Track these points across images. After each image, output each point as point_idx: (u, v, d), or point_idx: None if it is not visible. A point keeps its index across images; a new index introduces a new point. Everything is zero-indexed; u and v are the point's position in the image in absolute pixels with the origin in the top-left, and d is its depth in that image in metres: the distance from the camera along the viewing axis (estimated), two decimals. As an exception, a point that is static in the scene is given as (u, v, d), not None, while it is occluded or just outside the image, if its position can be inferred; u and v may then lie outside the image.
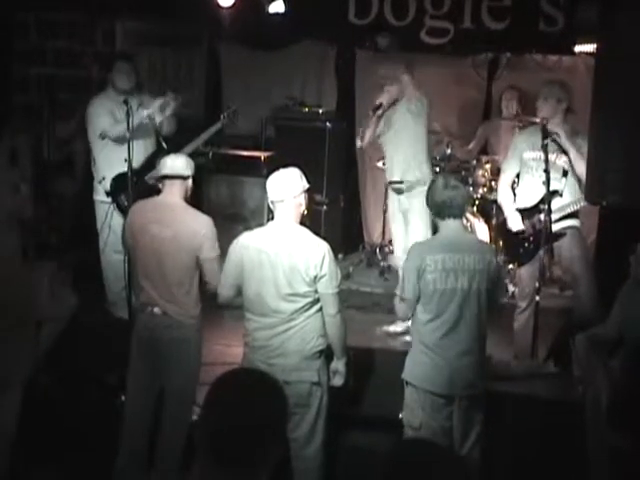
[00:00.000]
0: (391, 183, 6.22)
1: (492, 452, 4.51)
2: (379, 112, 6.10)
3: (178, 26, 7.66)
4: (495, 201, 6.40)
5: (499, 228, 6.28)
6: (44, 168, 6.88)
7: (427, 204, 4.47)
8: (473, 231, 6.76)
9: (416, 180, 6.04)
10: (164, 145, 6.14)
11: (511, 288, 6.70)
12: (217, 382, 2.30)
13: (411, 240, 5.66)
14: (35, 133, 6.95)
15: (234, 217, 7.06)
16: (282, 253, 4.25)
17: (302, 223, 4.40)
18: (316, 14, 7.02)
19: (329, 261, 4.27)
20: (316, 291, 4.27)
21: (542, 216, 5.43)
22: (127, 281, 5.20)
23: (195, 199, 5.97)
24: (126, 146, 5.50)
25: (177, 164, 4.59)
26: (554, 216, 5.40)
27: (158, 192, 4.68)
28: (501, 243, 6.07)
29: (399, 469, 2.10)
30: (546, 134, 5.40)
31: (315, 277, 4.23)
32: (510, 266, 6.56)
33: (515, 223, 5.65)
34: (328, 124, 7.56)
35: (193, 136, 6.38)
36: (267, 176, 4.44)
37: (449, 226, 4.37)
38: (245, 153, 7.68)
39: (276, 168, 4.46)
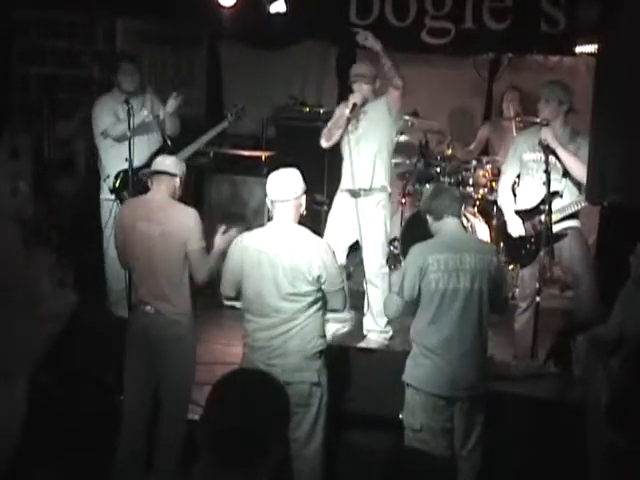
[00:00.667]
0: (350, 191, 5.93)
1: (492, 452, 4.51)
2: (349, 114, 5.81)
3: (179, 26, 7.67)
4: (496, 202, 6.40)
5: (500, 229, 6.27)
6: (44, 168, 6.87)
7: (422, 210, 4.49)
8: (474, 232, 6.75)
9: (379, 187, 5.90)
10: (169, 143, 6.21)
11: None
12: (219, 382, 2.29)
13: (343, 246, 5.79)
14: (35, 133, 6.94)
15: (235, 217, 7.05)
16: (282, 253, 4.25)
17: (301, 223, 4.41)
18: (317, 14, 7.01)
19: (331, 259, 4.29)
20: (317, 290, 4.28)
21: (543, 217, 5.43)
22: (127, 280, 5.22)
23: (196, 198, 5.99)
24: (131, 143, 5.61)
25: (166, 162, 4.68)
26: (555, 217, 5.40)
27: (147, 190, 4.74)
28: (502, 244, 6.06)
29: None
30: (541, 143, 5.42)
31: (319, 277, 4.23)
32: (510, 267, 6.56)
33: (515, 228, 5.64)
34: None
35: (195, 136, 6.41)
36: (268, 176, 4.45)
37: (448, 225, 4.37)
38: (246, 153, 7.68)
39: (277, 168, 4.46)
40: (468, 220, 6.75)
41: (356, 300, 6.28)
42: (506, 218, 5.74)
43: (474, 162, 7.35)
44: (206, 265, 4.55)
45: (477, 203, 7.28)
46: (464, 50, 7.25)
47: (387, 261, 6.16)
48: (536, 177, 5.53)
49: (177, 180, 4.62)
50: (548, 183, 5.35)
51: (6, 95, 7.12)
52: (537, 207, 5.52)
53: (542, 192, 5.43)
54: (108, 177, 6.17)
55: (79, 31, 7.31)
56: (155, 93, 6.40)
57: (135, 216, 4.61)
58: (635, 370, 4.23)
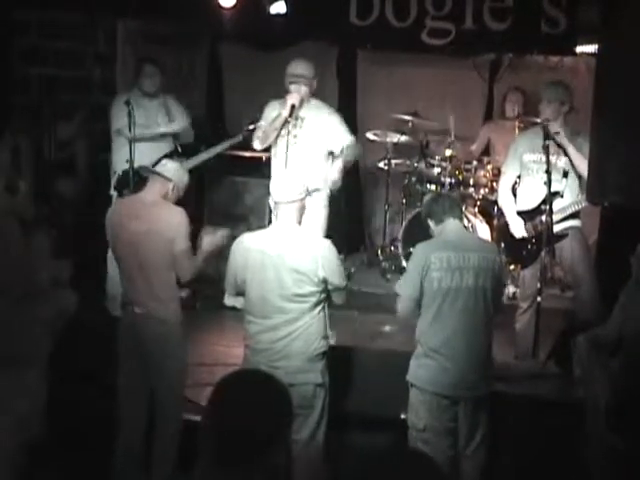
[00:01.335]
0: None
1: (492, 452, 4.50)
2: (287, 117, 5.67)
3: (179, 26, 7.66)
4: (496, 202, 6.40)
5: (500, 229, 6.27)
6: (45, 168, 6.88)
7: (423, 215, 4.51)
8: (474, 232, 6.75)
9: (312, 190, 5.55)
10: (179, 149, 6.35)
11: (512, 289, 6.70)
12: (221, 383, 2.29)
13: None
14: (36, 133, 6.95)
15: (236, 218, 7.06)
16: (286, 254, 4.25)
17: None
18: (317, 15, 7.01)
19: (336, 259, 4.33)
20: (322, 291, 4.28)
21: (543, 217, 5.43)
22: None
23: (197, 200, 6.01)
24: (142, 145, 5.81)
25: (166, 165, 4.70)
26: (555, 217, 5.40)
27: (138, 189, 4.79)
28: (502, 244, 6.06)
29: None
30: (548, 136, 5.40)
31: (324, 278, 4.24)
32: (511, 267, 6.56)
33: (518, 229, 5.65)
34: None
35: (195, 136, 6.46)
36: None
37: (450, 226, 4.38)
38: (247, 154, 7.67)
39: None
40: (469, 220, 6.76)
41: (357, 300, 6.29)
42: (508, 219, 5.74)
43: (475, 162, 7.36)
44: (191, 265, 4.53)
45: (478, 203, 7.29)
46: (464, 51, 7.23)
47: (387, 261, 6.15)
48: (536, 178, 5.53)
49: (171, 185, 4.61)
50: (549, 183, 5.35)
51: (6, 96, 7.12)
52: (538, 207, 5.52)
53: (542, 192, 5.43)
54: (114, 173, 6.26)
55: (80, 31, 7.31)
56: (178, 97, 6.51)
57: (124, 214, 4.64)
58: (635, 371, 4.23)
